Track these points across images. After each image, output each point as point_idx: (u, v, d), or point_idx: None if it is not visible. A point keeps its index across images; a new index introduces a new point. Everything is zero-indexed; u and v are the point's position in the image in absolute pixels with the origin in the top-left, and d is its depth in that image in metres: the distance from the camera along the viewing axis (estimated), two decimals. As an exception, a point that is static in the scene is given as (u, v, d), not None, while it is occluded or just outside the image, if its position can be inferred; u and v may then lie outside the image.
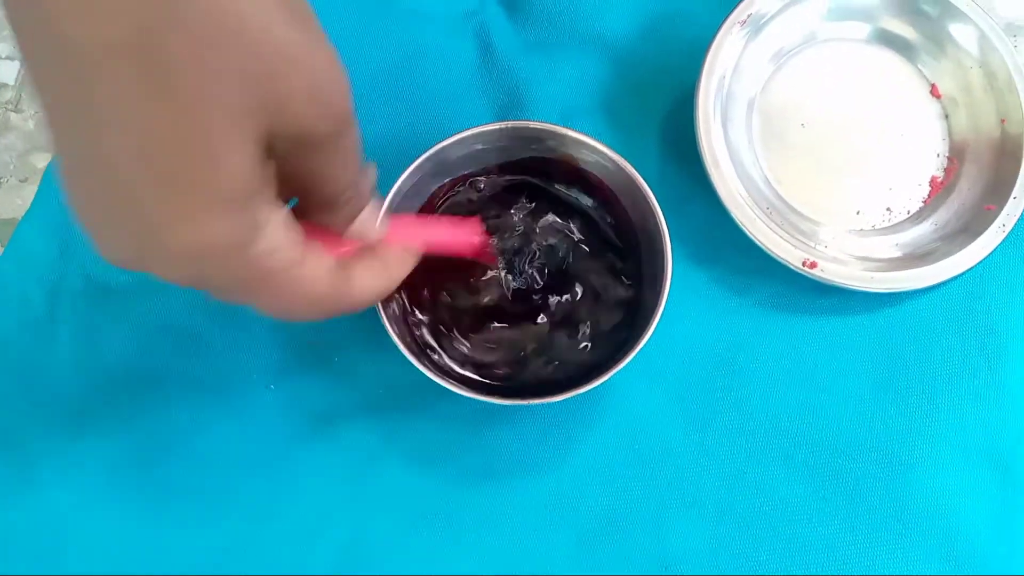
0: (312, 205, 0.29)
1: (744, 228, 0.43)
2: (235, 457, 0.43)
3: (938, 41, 0.47)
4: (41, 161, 0.48)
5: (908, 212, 0.46)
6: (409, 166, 0.39)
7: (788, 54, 0.47)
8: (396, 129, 0.46)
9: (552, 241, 0.42)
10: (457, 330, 0.42)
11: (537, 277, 0.42)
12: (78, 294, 0.44)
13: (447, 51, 0.48)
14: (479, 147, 0.41)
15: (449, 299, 0.42)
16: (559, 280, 0.42)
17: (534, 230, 0.43)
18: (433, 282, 0.42)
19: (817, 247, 0.44)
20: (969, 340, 0.44)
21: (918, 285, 0.43)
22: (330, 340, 0.44)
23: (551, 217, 0.43)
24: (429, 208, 0.43)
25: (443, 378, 0.38)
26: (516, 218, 0.43)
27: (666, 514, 0.42)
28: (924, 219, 0.46)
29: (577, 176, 0.43)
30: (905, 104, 0.47)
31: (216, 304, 0.35)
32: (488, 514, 0.42)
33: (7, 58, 0.49)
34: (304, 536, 0.42)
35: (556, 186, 0.43)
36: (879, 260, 0.44)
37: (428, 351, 0.41)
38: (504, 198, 0.43)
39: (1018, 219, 0.44)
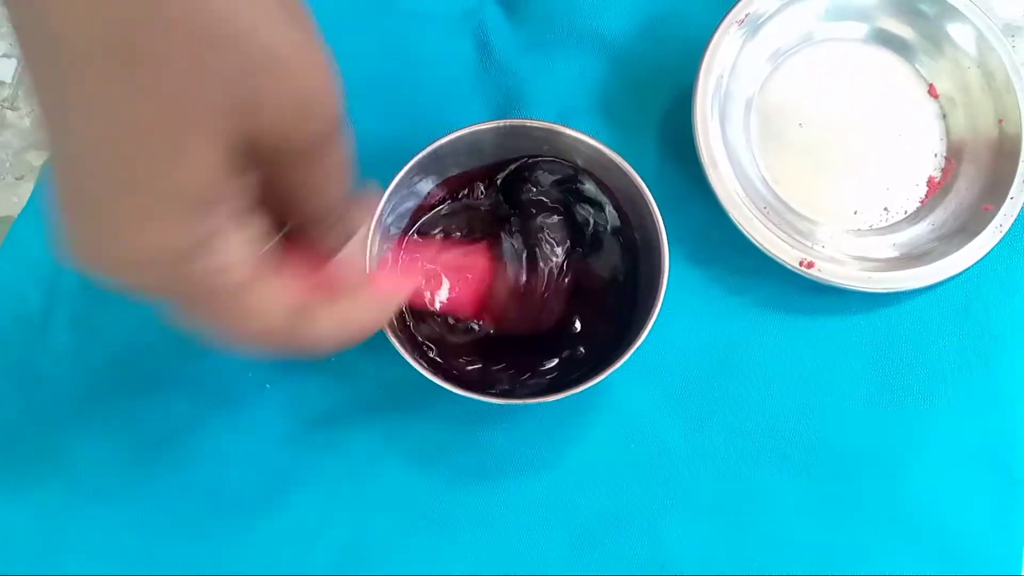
0: (296, 225, 0.28)
1: (741, 228, 0.43)
2: (233, 457, 0.43)
3: (936, 41, 0.47)
4: (37, 159, 0.48)
5: (905, 212, 0.46)
6: (405, 164, 0.39)
7: (786, 54, 0.47)
8: (394, 128, 0.46)
9: (549, 241, 0.42)
10: (454, 331, 0.42)
11: (536, 277, 0.42)
12: (75, 293, 0.44)
13: (445, 50, 0.48)
14: (476, 146, 0.41)
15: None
16: (556, 280, 0.42)
17: (531, 230, 0.43)
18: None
19: (814, 247, 0.44)
20: (966, 340, 0.44)
21: (915, 285, 0.43)
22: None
23: (549, 217, 0.43)
24: (427, 208, 0.43)
25: (440, 378, 0.38)
26: (513, 218, 0.43)
27: (662, 514, 0.42)
28: (921, 219, 0.46)
29: (575, 176, 0.43)
30: (903, 104, 0.47)
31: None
32: (485, 513, 0.42)
33: (3, 56, 0.49)
34: (302, 536, 0.42)
35: (554, 187, 0.43)
36: (876, 260, 0.44)
37: (426, 350, 0.41)
38: (500, 198, 0.43)
39: (1015, 219, 0.44)
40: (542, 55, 0.48)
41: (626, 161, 0.40)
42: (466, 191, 0.43)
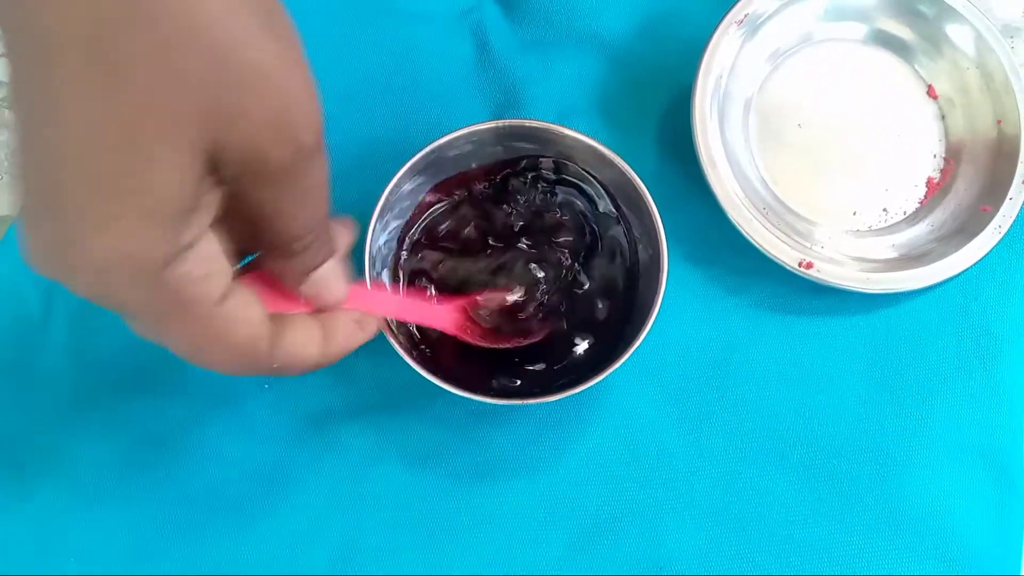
0: (264, 247, 0.27)
1: (740, 228, 0.43)
2: (231, 457, 0.43)
3: (935, 42, 0.47)
4: (36, 159, 0.48)
5: (904, 213, 0.46)
6: (404, 165, 0.39)
7: (785, 54, 0.47)
8: (392, 128, 0.46)
9: (547, 242, 0.42)
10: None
11: (534, 278, 0.42)
12: (74, 296, 0.44)
13: (443, 49, 0.48)
14: (475, 146, 0.41)
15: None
16: (555, 281, 0.42)
17: (530, 231, 0.42)
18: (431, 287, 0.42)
19: (813, 247, 0.44)
20: (965, 341, 0.44)
21: (914, 286, 0.43)
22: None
23: (547, 218, 0.43)
24: (425, 207, 0.43)
25: (439, 378, 0.38)
26: (512, 219, 0.43)
27: (661, 514, 0.42)
28: (920, 220, 0.46)
29: (573, 176, 0.42)
30: (902, 105, 0.47)
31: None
32: (483, 514, 0.42)
33: (2, 55, 0.49)
34: (300, 536, 0.42)
35: (553, 186, 0.43)
36: (875, 261, 0.44)
37: (424, 351, 0.41)
38: (499, 198, 0.43)
39: (1014, 220, 0.44)
40: (541, 55, 0.48)
41: (625, 161, 0.40)
42: (464, 191, 0.43)
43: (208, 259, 0.24)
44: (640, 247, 0.41)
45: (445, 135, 0.40)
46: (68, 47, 0.20)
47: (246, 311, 0.26)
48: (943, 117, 0.47)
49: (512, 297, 0.41)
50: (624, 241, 0.42)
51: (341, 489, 0.42)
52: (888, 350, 0.44)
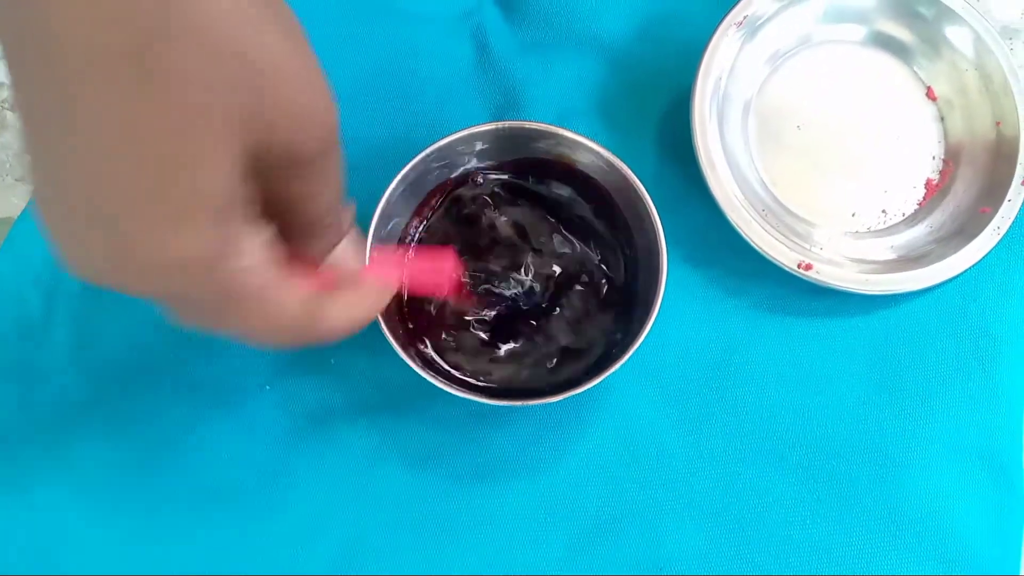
0: (291, 231, 0.29)
1: (740, 230, 0.43)
2: (231, 458, 0.43)
3: (934, 44, 0.47)
4: (37, 160, 0.48)
5: (903, 214, 0.46)
6: (404, 166, 0.39)
7: (784, 56, 0.47)
8: (392, 129, 0.46)
9: (547, 243, 0.42)
10: (453, 333, 0.42)
11: (534, 279, 0.42)
12: (74, 294, 0.44)
13: (444, 51, 0.48)
14: (475, 147, 0.41)
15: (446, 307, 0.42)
16: (555, 282, 0.42)
17: (530, 232, 0.43)
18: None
19: (812, 249, 0.44)
20: (964, 342, 0.44)
21: (913, 287, 0.43)
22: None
23: (547, 219, 0.43)
24: (424, 208, 0.43)
25: (439, 379, 0.38)
26: (512, 220, 0.43)
27: (661, 515, 0.42)
28: (919, 221, 0.46)
29: (573, 177, 0.43)
30: (901, 106, 0.47)
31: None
32: (483, 515, 0.42)
33: (3, 57, 0.49)
34: (300, 536, 0.42)
35: (552, 187, 0.43)
36: (874, 262, 0.44)
37: (424, 352, 0.41)
38: (499, 199, 0.43)
39: (1013, 221, 0.44)
40: (541, 56, 0.48)
41: (624, 163, 0.40)
42: (464, 193, 0.43)
43: (255, 249, 0.26)
44: (639, 248, 0.42)
45: (445, 137, 0.40)
46: (102, 60, 0.20)
47: (291, 291, 0.28)
48: (942, 119, 0.47)
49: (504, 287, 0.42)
50: (624, 242, 0.42)
51: (341, 489, 0.42)
52: (887, 351, 0.44)
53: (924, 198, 0.46)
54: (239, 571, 0.41)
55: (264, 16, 0.23)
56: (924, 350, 0.44)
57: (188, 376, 0.43)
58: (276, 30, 0.23)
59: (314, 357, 0.44)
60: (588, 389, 0.37)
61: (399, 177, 0.39)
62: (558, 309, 0.42)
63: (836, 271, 0.43)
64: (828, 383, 0.44)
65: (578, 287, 0.42)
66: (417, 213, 0.43)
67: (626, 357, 0.38)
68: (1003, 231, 0.44)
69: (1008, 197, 0.44)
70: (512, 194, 0.43)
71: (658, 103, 0.47)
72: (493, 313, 0.42)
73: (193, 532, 0.42)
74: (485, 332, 0.42)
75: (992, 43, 0.46)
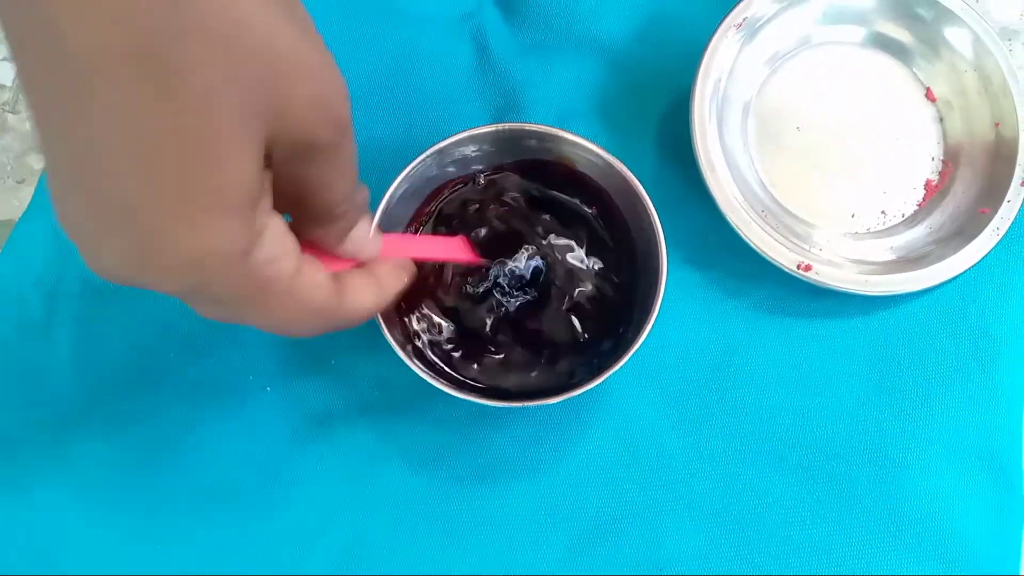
0: (307, 218, 0.29)
1: (739, 231, 0.43)
2: (232, 458, 0.43)
3: (933, 45, 0.47)
4: (38, 162, 0.48)
5: (903, 215, 0.46)
6: (405, 168, 0.40)
7: (783, 57, 0.47)
8: (393, 131, 0.47)
9: (546, 245, 0.43)
10: (452, 333, 0.42)
11: (532, 281, 0.42)
12: (75, 296, 0.44)
13: (444, 53, 0.48)
14: (475, 149, 0.41)
15: (445, 307, 0.42)
16: (554, 283, 0.42)
17: (530, 234, 0.43)
18: (429, 291, 0.42)
19: (812, 250, 0.44)
20: (963, 343, 0.45)
21: (912, 288, 0.43)
22: (327, 342, 0.43)
23: (546, 220, 0.43)
24: (424, 211, 0.43)
25: (439, 380, 0.38)
26: (511, 222, 0.43)
27: (660, 516, 0.42)
28: (919, 222, 0.46)
29: (573, 178, 0.43)
30: (900, 107, 0.47)
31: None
32: (483, 515, 0.42)
33: (4, 59, 0.49)
34: (301, 537, 0.42)
35: (551, 189, 0.43)
36: (873, 263, 0.44)
37: (424, 353, 0.41)
38: (498, 201, 0.43)
39: (1012, 222, 0.44)
40: (540, 58, 0.48)
41: (624, 164, 0.40)
42: (464, 194, 0.43)
43: (279, 239, 0.26)
44: (639, 250, 0.42)
45: (445, 138, 0.40)
46: (118, 62, 0.20)
47: (315, 278, 0.28)
48: (941, 120, 0.47)
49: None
50: (623, 244, 0.42)
51: (342, 490, 0.43)
52: (886, 352, 0.44)
53: (923, 199, 0.46)
54: (240, 571, 0.41)
55: (278, 11, 0.23)
56: (923, 351, 0.44)
57: (188, 377, 0.44)
58: (289, 23, 0.23)
59: (315, 358, 0.44)
60: (588, 390, 0.37)
61: (399, 179, 0.39)
62: (558, 311, 0.42)
63: (835, 272, 0.43)
64: (828, 384, 0.44)
65: (578, 289, 0.42)
66: (417, 215, 0.43)
67: (626, 358, 0.38)
68: (1002, 232, 0.44)
69: (1007, 198, 0.44)
70: (511, 196, 0.43)
71: (658, 105, 0.47)
72: (492, 316, 0.42)
73: (193, 532, 0.42)
74: (485, 333, 0.42)
75: (991, 44, 0.46)
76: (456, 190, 0.43)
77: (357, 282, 0.31)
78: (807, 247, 0.44)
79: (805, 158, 0.46)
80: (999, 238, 0.44)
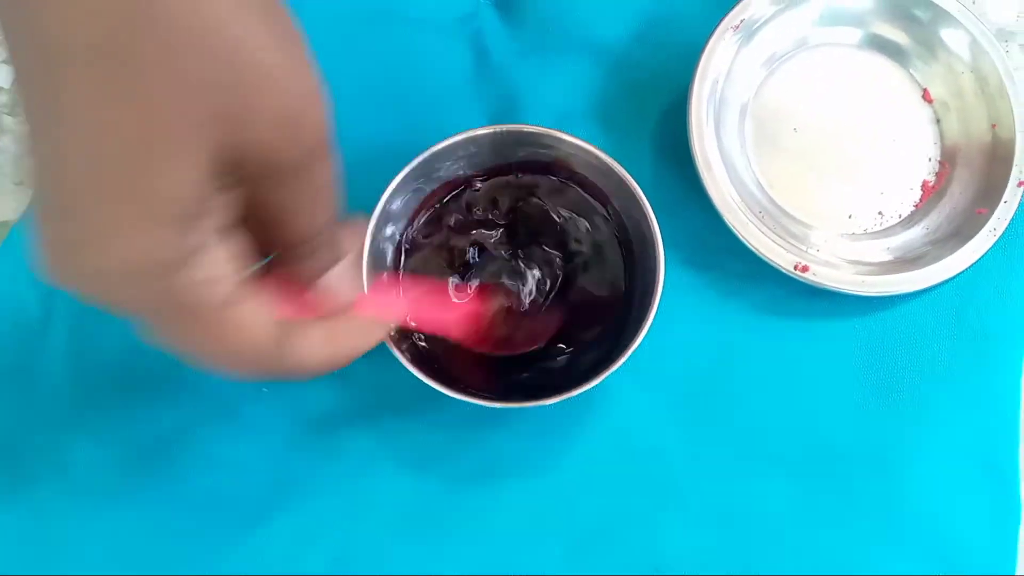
0: (277, 248, 0.27)
1: (736, 232, 0.43)
2: (230, 460, 0.43)
3: (930, 46, 0.47)
4: (36, 164, 0.48)
5: (900, 216, 0.46)
6: (402, 170, 0.40)
7: (781, 59, 0.47)
8: (390, 134, 0.46)
9: (544, 245, 0.43)
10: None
11: (531, 280, 0.42)
12: (73, 300, 0.44)
13: (441, 55, 0.48)
14: (473, 151, 0.42)
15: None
16: (553, 283, 0.42)
17: (527, 235, 0.43)
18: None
19: (809, 251, 0.44)
20: (960, 343, 0.45)
21: (909, 289, 0.43)
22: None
23: (544, 221, 0.43)
24: (422, 213, 0.43)
25: (436, 381, 0.38)
26: (509, 223, 0.43)
27: (658, 517, 0.42)
28: (915, 223, 0.46)
29: (571, 180, 0.43)
30: (897, 109, 0.48)
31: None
32: (481, 517, 0.42)
33: (3, 62, 0.49)
34: (299, 539, 0.42)
35: (550, 190, 0.43)
36: (870, 264, 0.45)
37: (422, 354, 0.41)
38: (496, 203, 0.43)
39: (1008, 223, 0.44)
40: (538, 60, 0.48)
41: (622, 166, 0.40)
42: (463, 197, 0.43)
43: (216, 263, 0.24)
44: (636, 251, 0.42)
45: (443, 140, 0.40)
46: (73, 52, 0.20)
47: (253, 315, 0.26)
48: (938, 121, 0.48)
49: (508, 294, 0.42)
50: (621, 245, 0.43)
51: (339, 491, 0.43)
52: (883, 353, 0.44)
53: (920, 200, 0.46)
54: (238, 572, 0.41)
55: (254, 17, 0.22)
56: (920, 352, 0.44)
57: (186, 380, 0.43)
58: (266, 31, 0.22)
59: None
60: (585, 391, 0.37)
61: (397, 181, 0.39)
62: (556, 311, 0.42)
63: (832, 273, 0.43)
64: (825, 384, 0.44)
65: (576, 289, 0.42)
66: (415, 217, 0.43)
67: (623, 359, 0.38)
68: (999, 233, 0.44)
69: (1004, 199, 0.44)
70: (510, 197, 0.43)
71: (655, 106, 0.47)
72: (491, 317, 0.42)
73: (191, 535, 0.42)
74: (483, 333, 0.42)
75: (988, 46, 0.46)
76: (454, 194, 0.43)
77: (313, 331, 0.28)
78: (804, 248, 0.44)
79: (802, 159, 0.46)
80: (996, 239, 0.44)
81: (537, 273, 0.42)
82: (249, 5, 0.22)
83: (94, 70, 0.20)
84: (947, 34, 0.47)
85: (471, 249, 0.43)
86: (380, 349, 0.37)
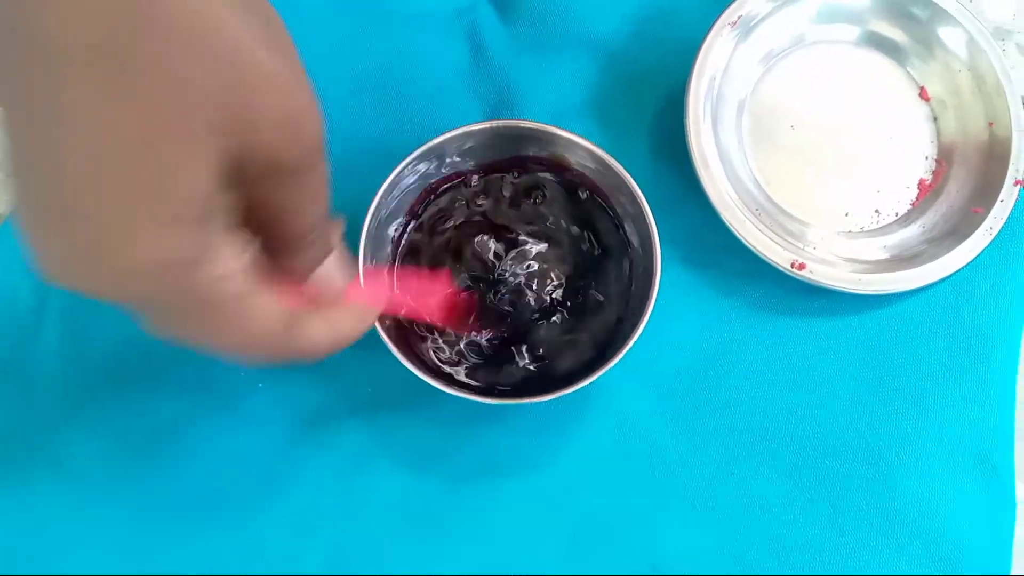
0: (275, 245, 0.28)
1: (733, 230, 0.43)
2: (225, 456, 0.43)
3: (927, 44, 0.47)
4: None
5: (896, 214, 0.46)
6: (398, 165, 0.39)
7: (778, 56, 0.47)
8: (386, 128, 0.46)
9: (540, 242, 0.43)
10: (448, 331, 0.42)
11: (528, 279, 0.42)
12: (67, 292, 0.44)
13: (438, 50, 0.48)
14: (469, 146, 0.41)
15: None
16: (550, 281, 0.42)
17: (523, 231, 0.43)
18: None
19: (805, 249, 0.44)
20: (956, 342, 0.45)
21: (906, 287, 0.43)
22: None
23: (540, 218, 0.43)
24: (417, 208, 0.43)
25: (433, 377, 0.38)
26: (505, 219, 0.43)
27: (654, 514, 0.42)
28: (912, 221, 0.46)
29: (567, 176, 0.43)
30: (894, 107, 0.47)
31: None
32: (476, 514, 0.42)
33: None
34: (294, 534, 0.42)
35: (546, 186, 0.43)
36: (867, 262, 0.45)
37: (419, 350, 0.41)
38: (493, 198, 0.43)
39: (1005, 222, 0.44)
40: (535, 55, 0.48)
41: (619, 162, 0.40)
42: (458, 192, 0.43)
43: (229, 259, 0.25)
44: (633, 248, 0.42)
45: (439, 135, 0.40)
46: (73, 52, 0.20)
47: (269, 303, 0.27)
48: (935, 119, 0.48)
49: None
50: (617, 242, 0.42)
51: (336, 487, 0.42)
52: (880, 351, 0.44)
53: (917, 198, 0.46)
54: (233, 570, 0.41)
55: (252, 22, 0.22)
56: (917, 350, 0.45)
57: (181, 374, 0.43)
58: (263, 36, 0.23)
59: (307, 355, 0.44)
60: (582, 388, 0.37)
61: (392, 176, 0.39)
62: (552, 308, 0.42)
63: (829, 271, 0.43)
64: (821, 382, 0.44)
65: (573, 286, 0.42)
66: (410, 212, 0.43)
67: (620, 356, 0.38)
68: (995, 231, 0.44)
69: (1000, 197, 0.44)
70: (506, 193, 0.43)
71: (652, 102, 0.47)
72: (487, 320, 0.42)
73: (187, 530, 0.42)
74: (481, 333, 0.42)
75: (985, 44, 0.46)
76: (449, 189, 0.43)
77: (316, 317, 0.30)
78: (801, 245, 0.44)
79: (799, 156, 0.46)
80: (992, 237, 0.44)
81: (532, 267, 0.42)
82: (247, 8, 0.23)
83: (94, 70, 0.20)
84: (944, 32, 0.47)
85: (465, 243, 0.42)
86: (377, 345, 0.37)
